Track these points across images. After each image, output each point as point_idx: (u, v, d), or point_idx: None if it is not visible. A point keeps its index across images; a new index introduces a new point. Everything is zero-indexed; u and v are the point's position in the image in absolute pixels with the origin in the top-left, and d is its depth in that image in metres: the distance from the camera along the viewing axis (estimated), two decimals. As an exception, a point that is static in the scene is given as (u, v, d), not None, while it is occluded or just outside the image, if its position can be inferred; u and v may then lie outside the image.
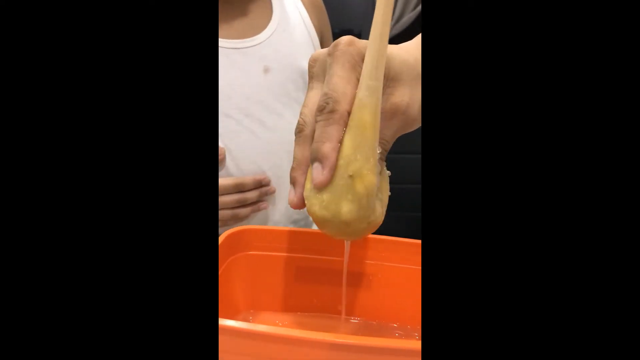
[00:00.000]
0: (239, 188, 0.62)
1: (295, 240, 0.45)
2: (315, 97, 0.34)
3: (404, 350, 0.27)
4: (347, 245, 0.41)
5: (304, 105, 0.35)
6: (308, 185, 0.33)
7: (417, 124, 0.35)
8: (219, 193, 0.61)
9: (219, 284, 0.39)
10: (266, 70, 0.66)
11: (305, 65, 0.71)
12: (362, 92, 0.31)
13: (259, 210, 0.65)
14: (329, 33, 0.80)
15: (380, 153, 0.32)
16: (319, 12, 0.77)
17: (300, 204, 0.34)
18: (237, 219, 0.63)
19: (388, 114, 0.32)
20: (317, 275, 0.45)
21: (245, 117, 0.65)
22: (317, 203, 0.32)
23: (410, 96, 0.33)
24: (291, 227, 0.57)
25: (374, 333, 0.43)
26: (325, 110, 0.32)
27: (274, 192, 0.66)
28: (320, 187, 0.31)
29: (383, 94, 0.32)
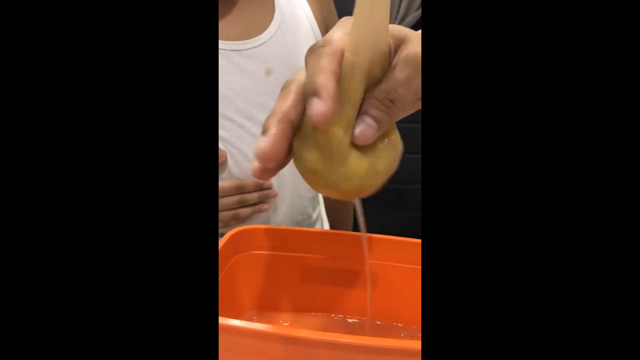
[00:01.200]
0: (240, 190, 0.63)
1: (299, 240, 0.45)
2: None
3: (405, 350, 0.27)
4: (364, 247, 0.40)
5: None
6: (295, 142, 0.30)
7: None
8: (220, 195, 0.61)
9: (222, 284, 0.39)
10: (268, 72, 0.65)
11: None
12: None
13: (260, 211, 0.65)
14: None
15: (385, 105, 0.29)
16: (325, 6, 0.74)
17: (270, 153, 0.29)
18: (238, 220, 0.63)
19: (402, 63, 0.29)
20: (321, 275, 0.45)
21: (247, 120, 0.64)
22: (295, 152, 0.30)
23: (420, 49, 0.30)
24: (295, 227, 0.57)
25: (379, 333, 0.44)
26: (316, 47, 0.29)
27: (275, 195, 0.66)
28: (324, 121, 0.27)
29: (394, 53, 0.29)
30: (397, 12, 0.84)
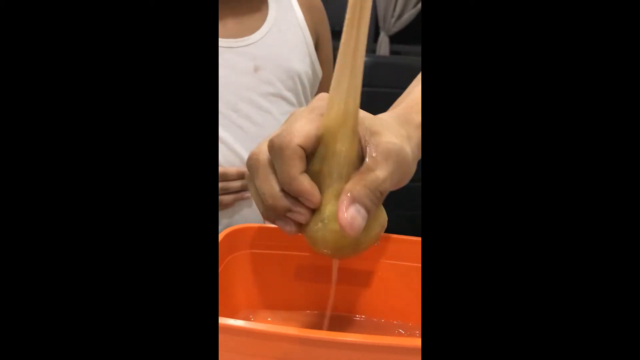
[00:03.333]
0: (223, 178, 0.66)
1: (295, 238, 0.45)
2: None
3: (404, 348, 0.27)
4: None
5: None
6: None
7: (412, 172, 0.34)
8: None
9: (219, 283, 0.39)
10: (256, 69, 0.70)
11: (296, 66, 0.74)
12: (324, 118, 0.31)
13: (242, 199, 0.68)
14: (327, 32, 0.82)
15: (375, 196, 0.31)
16: (316, 12, 0.80)
17: (307, 218, 0.32)
18: (220, 205, 0.67)
19: (381, 156, 0.31)
20: (317, 273, 0.45)
21: (233, 113, 0.68)
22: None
23: (400, 140, 0.32)
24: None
25: (376, 331, 0.43)
26: (275, 146, 0.30)
27: None
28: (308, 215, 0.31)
29: (369, 144, 0.31)
30: (394, 11, 0.85)
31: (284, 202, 0.31)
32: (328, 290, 0.44)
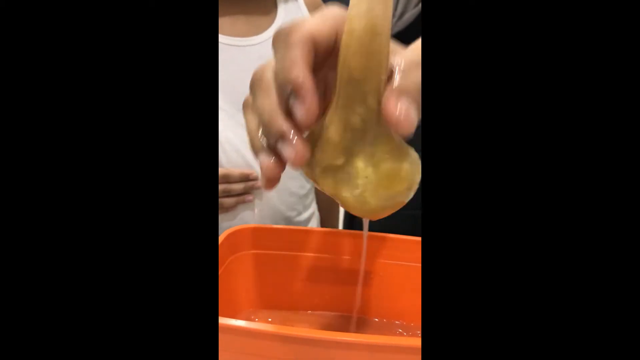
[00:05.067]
0: (225, 179, 0.65)
1: (297, 238, 0.45)
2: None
3: (404, 348, 0.27)
4: (364, 241, 0.39)
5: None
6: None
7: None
8: None
9: (219, 284, 0.39)
10: None
11: None
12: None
13: (244, 202, 0.67)
14: None
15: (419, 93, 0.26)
16: None
17: (305, 156, 0.26)
18: (222, 208, 0.66)
19: (409, 65, 0.26)
20: (318, 273, 0.45)
21: (237, 112, 0.67)
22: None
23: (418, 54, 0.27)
24: (291, 226, 0.57)
25: (377, 331, 0.44)
26: (280, 34, 0.26)
27: (260, 187, 0.67)
28: (306, 123, 0.25)
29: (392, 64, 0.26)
30: (395, 10, 0.85)
31: (280, 121, 0.26)
32: (328, 290, 0.45)
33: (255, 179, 0.66)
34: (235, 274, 0.43)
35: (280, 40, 0.26)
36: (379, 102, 0.26)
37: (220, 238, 0.41)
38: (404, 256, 0.44)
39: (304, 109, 0.25)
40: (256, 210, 0.68)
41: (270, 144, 0.27)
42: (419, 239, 0.43)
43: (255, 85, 0.28)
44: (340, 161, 0.28)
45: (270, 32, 0.71)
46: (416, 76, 0.26)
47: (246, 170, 0.67)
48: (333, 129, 0.27)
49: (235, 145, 0.67)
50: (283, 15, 0.74)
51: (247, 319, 0.43)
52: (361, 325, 0.44)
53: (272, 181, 0.28)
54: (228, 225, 0.69)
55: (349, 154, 0.27)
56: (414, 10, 0.84)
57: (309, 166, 0.29)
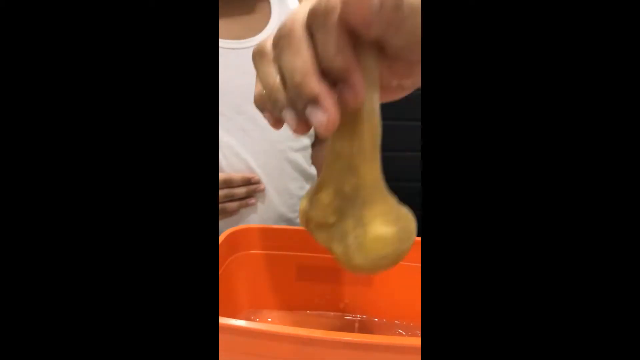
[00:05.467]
0: (228, 184, 0.65)
1: (295, 238, 0.45)
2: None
3: (404, 347, 0.27)
4: None
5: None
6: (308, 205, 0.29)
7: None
8: None
9: (219, 284, 0.39)
10: None
11: None
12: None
13: (247, 205, 0.67)
14: None
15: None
16: None
17: (337, 118, 0.24)
18: (225, 213, 0.65)
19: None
20: (317, 273, 0.45)
21: (237, 115, 0.67)
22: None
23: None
24: (291, 226, 0.57)
25: (376, 330, 0.44)
26: (319, 10, 0.24)
27: (263, 189, 0.67)
28: (330, 129, 0.24)
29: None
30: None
31: (313, 83, 0.24)
32: (328, 290, 0.45)
33: (256, 182, 0.66)
34: (235, 274, 0.43)
35: (319, 21, 0.24)
36: (372, 170, 0.27)
37: (220, 238, 0.41)
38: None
39: (353, 91, 0.24)
40: (259, 213, 0.68)
41: (297, 105, 0.25)
42: (419, 239, 0.43)
43: (283, 39, 0.25)
44: (332, 220, 0.29)
45: (266, 33, 0.71)
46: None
47: (247, 174, 0.66)
48: (325, 193, 0.28)
49: (234, 148, 0.66)
50: (278, 14, 0.73)
51: (247, 319, 0.43)
52: (361, 325, 0.44)
53: (298, 129, 0.26)
54: None
55: (341, 214, 0.28)
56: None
57: (304, 217, 0.30)
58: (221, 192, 0.64)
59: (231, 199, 0.65)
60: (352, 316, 0.45)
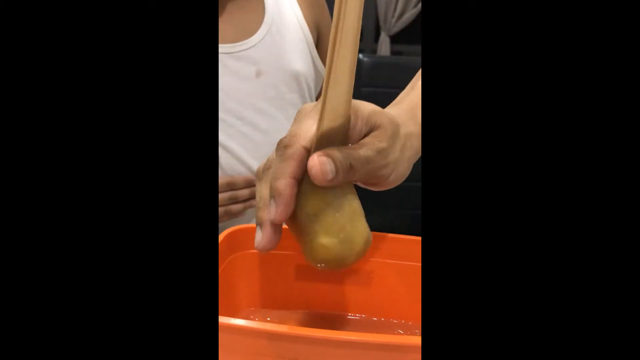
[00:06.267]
0: (231, 186, 0.65)
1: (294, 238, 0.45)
2: None
3: (404, 346, 0.27)
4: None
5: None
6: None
7: (402, 173, 0.36)
8: None
9: (220, 283, 0.39)
10: (258, 74, 0.68)
11: (298, 66, 0.71)
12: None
13: (251, 207, 0.67)
14: (329, 28, 0.80)
15: (346, 163, 0.31)
16: (317, 8, 0.77)
17: (268, 247, 0.32)
18: (230, 215, 0.66)
19: (368, 147, 0.32)
20: (317, 272, 0.45)
21: (237, 120, 0.67)
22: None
23: (391, 142, 0.33)
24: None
25: (376, 330, 0.44)
26: (281, 145, 0.31)
27: None
28: (277, 223, 0.31)
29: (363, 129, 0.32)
30: (394, 10, 0.85)
31: (261, 213, 0.32)
32: (327, 289, 0.45)
33: None
34: (235, 274, 0.43)
35: (279, 150, 0.31)
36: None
37: (220, 238, 0.41)
38: (403, 256, 0.44)
39: (277, 212, 0.31)
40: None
41: (258, 222, 0.33)
42: (419, 238, 0.43)
43: (259, 173, 0.34)
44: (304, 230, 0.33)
45: (261, 34, 0.69)
46: (364, 151, 0.32)
47: (250, 176, 0.66)
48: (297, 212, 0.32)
49: (236, 152, 0.66)
50: (272, 13, 0.71)
51: (247, 318, 0.43)
52: (360, 325, 0.44)
53: (264, 246, 0.33)
54: None
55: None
56: (413, 10, 0.84)
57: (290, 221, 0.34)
58: (225, 195, 0.64)
59: (235, 200, 0.65)
60: (351, 315, 0.45)
